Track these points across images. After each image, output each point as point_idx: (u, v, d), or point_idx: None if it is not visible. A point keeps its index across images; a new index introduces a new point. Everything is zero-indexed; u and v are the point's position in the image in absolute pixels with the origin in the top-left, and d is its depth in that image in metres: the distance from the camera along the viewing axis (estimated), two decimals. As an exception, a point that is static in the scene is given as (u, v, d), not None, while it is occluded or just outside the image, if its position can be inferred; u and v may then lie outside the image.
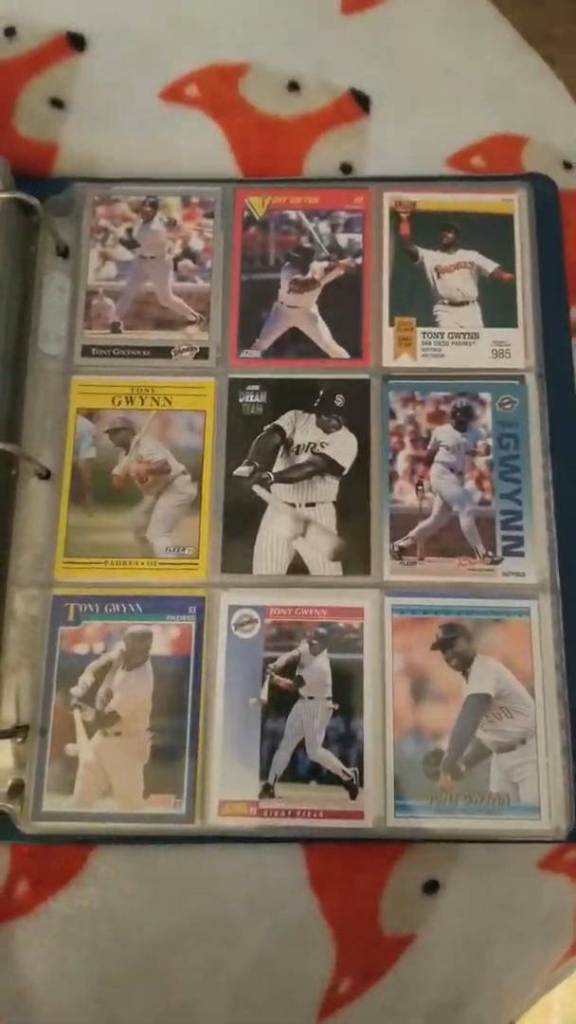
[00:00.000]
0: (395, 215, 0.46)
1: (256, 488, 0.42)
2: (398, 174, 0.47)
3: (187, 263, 0.45)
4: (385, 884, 0.39)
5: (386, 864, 0.39)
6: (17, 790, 0.38)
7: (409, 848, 0.39)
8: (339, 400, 0.43)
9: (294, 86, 0.49)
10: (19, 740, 0.39)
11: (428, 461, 0.42)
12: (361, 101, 0.49)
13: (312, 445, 0.42)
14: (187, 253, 0.45)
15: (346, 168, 0.47)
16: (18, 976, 0.37)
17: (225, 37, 0.49)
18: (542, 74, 0.52)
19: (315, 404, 0.43)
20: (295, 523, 0.41)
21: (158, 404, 0.43)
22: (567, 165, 0.48)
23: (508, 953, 0.40)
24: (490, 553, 0.41)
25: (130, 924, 0.38)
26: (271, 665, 0.39)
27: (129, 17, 0.50)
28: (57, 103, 0.48)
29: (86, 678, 0.39)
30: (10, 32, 0.49)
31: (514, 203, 0.46)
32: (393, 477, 0.42)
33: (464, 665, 0.39)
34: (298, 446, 0.42)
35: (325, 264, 0.45)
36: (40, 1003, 0.37)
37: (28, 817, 0.38)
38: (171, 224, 0.46)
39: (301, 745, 0.39)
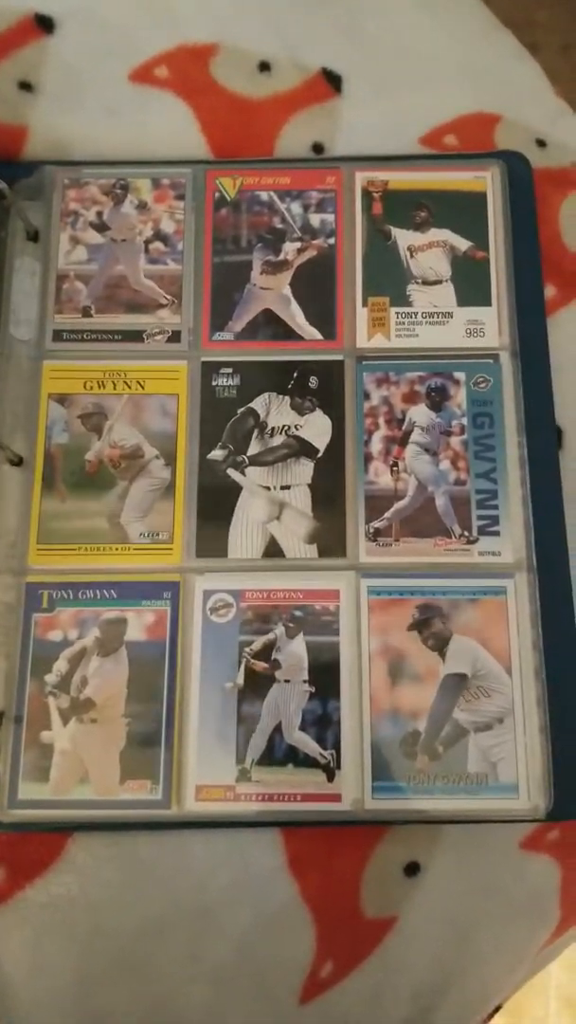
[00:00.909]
0: (367, 194, 0.45)
1: (230, 471, 0.42)
2: (370, 153, 0.46)
3: (158, 246, 0.45)
4: (365, 867, 0.39)
5: (366, 846, 0.39)
6: (-8, 779, 0.38)
7: (389, 830, 0.39)
8: (313, 382, 0.43)
9: (265, 66, 0.48)
10: (-6, 729, 0.39)
11: (403, 442, 0.42)
12: (333, 81, 0.48)
13: (286, 428, 0.42)
14: (158, 236, 0.45)
15: (318, 148, 0.47)
16: (-4, 965, 0.37)
17: (195, 18, 0.49)
18: (516, 54, 0.51)
19: (289, 386, 0.43)
20: (270, 506, 0.41)
21: (130, 388, 0.43)
22: (540, 143, 0.48)
23: (492, 934, 0.40)
24: (466, 533, 0.40)
25: (109, 911, 0.38)
26: (247, 649, 0.39)
27: (98, -1, 0.49)
28: (26, 86, 0.47)
29: (61, 665, 0.39)
30: (-24, 15, 0.48)
31: (487, 181, 0.45)
32: (368, 458, 0.42)
33: (441, 645, 0.39)
34: (272, 429, 0.42)
35: (297, 245, 0.45)
36: (18, 993, 0.37)
37: (3, 805, 0.37)
38: (142, 206, 0.45)
39: (278, 728, 0.38)
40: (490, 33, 0.52)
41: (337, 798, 0.38)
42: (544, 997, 0.74)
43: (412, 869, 0.39)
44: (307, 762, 0.38)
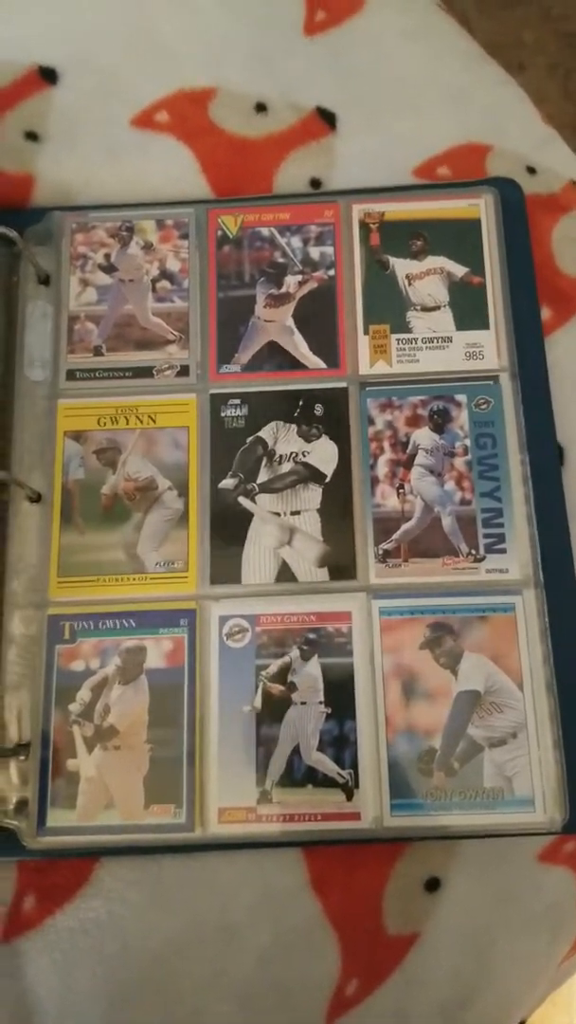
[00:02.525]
0: (364, 226, 0.47)
1: (241, 499, 0.43)
2: (366, 186, 0.48)
3: (165, 284, 0.46)
4: (386, 884, 0.40)
5: (386, 864, 0.40)
6: (22, 807, 0.39)
7: (408, 847, 0.40)
8: (318, 409, 0.44)
9: (261, 107, 0.50)
10: (22, 758, 0.40)
11: (408, 464, 0.43)
12: (327, 118, 0.50)
13: (294, 455, 0.43)
14: (164, 274, 0.47)
15: (315, 183, 0.49)
16: (27, 991, 0.38)
17: (192, 63, 0.51)
18: (503, 83, 0.53)
19: (295, 414, 0.44)
20: (281, 532, 0.42)
21: (142, 423, 0.44)
22: (531, 170, 0.49)
23: (513, 948, 0.40)
24: (473, 551, 0.41)
25: (136, 934, 0.39)
26: (263, 672, 0.40)
27: (98, 49, 0.51)
28: (32, 136, 0.49)
29: (84, 694, 0.40)
30: (-17, 70, 0.50)
31: (480, 208, 0.47)
32: (374, 482, 0.43)
33: (453, 663, 0.40)
34: (280, 456, 0.43)
35: (299, 278, 0.46)
36: (50, 1017, 0.38)
37: (33, 833, 0.39)
38: (147, 247, 0.47)
39: (296, 750, 0.39)
40: (476, 62, 0.53)
41: (357, 816, 0.38)
42: (568, 1012, 0.74)
43: (433, 885, 0.40)
44: (326, 782, 0.39)
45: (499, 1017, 0.41)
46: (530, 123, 0.51)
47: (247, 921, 0.39)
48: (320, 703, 0.40)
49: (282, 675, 0.40)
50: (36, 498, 0.43)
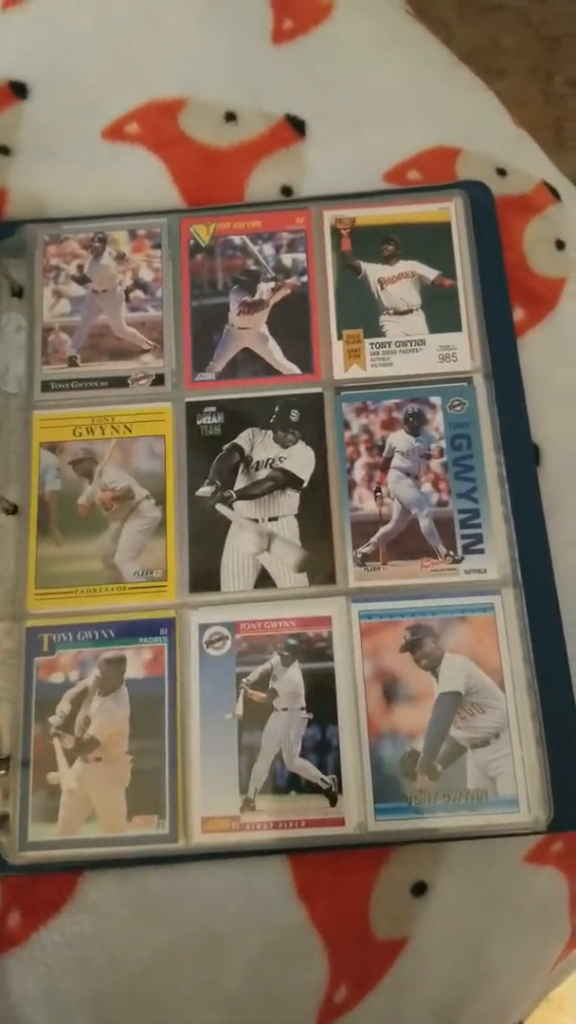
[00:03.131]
0: (336, 232, 0.47)
1: (219, 507, 0.43)
2: (337, 193, 0.48)
3: (138, 294, 0.46)
4: (373, 889, 0.39)
5: (372, 869, 0.39)
6: (3, 822, 0.39)
7: (394, 851, 0.40)
8: (294, 415, 0.44)
9: (231, 116, 0.50)
10: (2, 772, 0.39)
11: (384, 468, 0.43)
12: (297, 126, 0.50)
13: (271, 461, 0.43)
14: (137, 284, 0.47)
15: (286, 191, 0.49)
16: (14, 1008, 0.38)
17: (161, 74, 0.51)
18: (474, 87, 0.53)
19: (271, 421, 0.44)
20: (259, 538, 0.42)
21: (118, 432, 0.44)
22: (501, 172, 0.50)
23: (504, 950, 0.40)
24: (451, 552, 0.41)
25: (122, 947, 0.38)
26: (244, 680, 0.40)
27: (68, 62, 0.51)
28: (3, 150, 0.49)
29: (63, 706, 0.40)
30: (-47, 86, 0.50)
31: (451, 211, 0.47)
32: (351, 486, 0.43)
33: (433, 665, 0.40)
34: (257, 463, 0.43)
35: (272, 285, 0.46)
36: (38, 1034, 0.38)
37: (15, 848, 0.38)
38: (120, 257, 0.47)
39: (279, 757, 0.39)
40: (446, 68, 0.54)
41: (341, 822, 0.38)
42: (571, 1016, 0.73)
43: (419, 889, 0.39)
44: (309, 788, 0.39)
45: (495, 1020, 0.41)
46: (500, 125, 0.52)
47: (233, 930, 0.38)
48: (302, 709, 0.40)
49: (263, 682, 0.40)
50: (12, 510, 0.43)
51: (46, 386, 0.45)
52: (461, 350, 0.45)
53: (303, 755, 0.39)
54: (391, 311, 0.45)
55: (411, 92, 0.52)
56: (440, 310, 0.45)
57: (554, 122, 1.08)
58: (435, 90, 0.52)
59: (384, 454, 0.43)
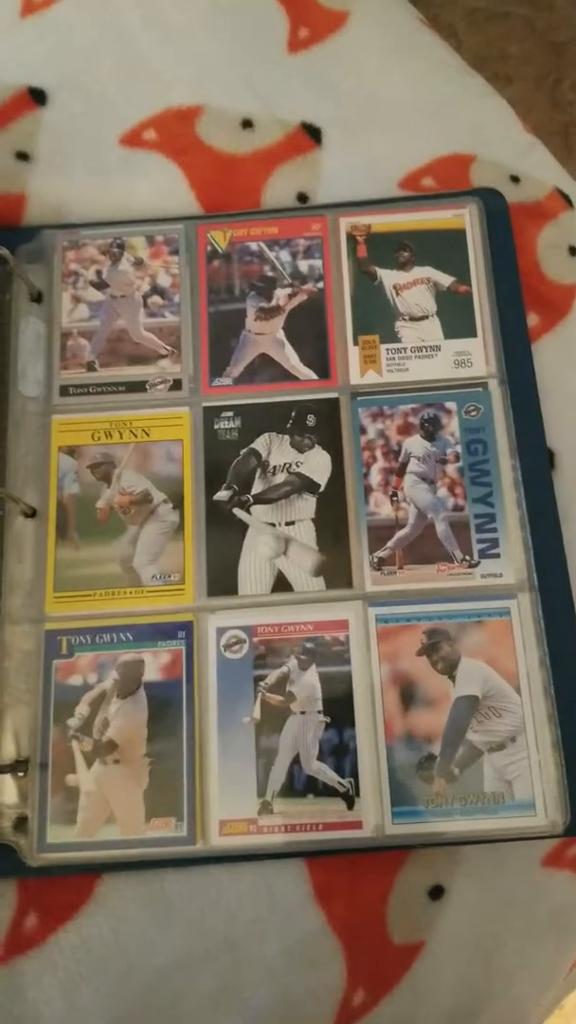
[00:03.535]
0: (352, 239, 0.47)
1: (236, 511, 0.43)
2: (352, 200, 0.48)
3: (156, 299, 0.47)
4: (390, 892, 0.39)
5: (389, 872, 0.40)
6: (22, 824, 0.39)
7: (411, 855, 0.40)
8: (311, 420, 0.44)
9: (248, 124, 0.51)
10: (21, 774, 0.40)
11: (400, 472, 0.43)
12: (312, 133, 0.51)
13: (288, 465, 0.44)
14: (155, 290, 0.47)
15: (302, 198, 0.49)
16: (31, 1011, 0.38)
17: (179, 82, 0.52)
18: (486, 95, 0.54)
19: (288, 425, 0.44)
20: (276, 542, 0.42)
21: (136, 437, 0.44)
22: (514, 179, 0.50)
23: (520, 954, 0.40)
24: (467, 557, 0.42)
25: (140, 950, 0.38)
26: (261, 683, 0.40)
27: (86, 69, 0.52)
28: (23, 156, 0.50)
29: (82, 709, 0.40)
30: (-28, 93, 0.51)
31: (465, 218, 0.47)
32: (368, 490, 0.43)
33: (450, 668, 0.40)
34: (274, 467, 0.44)
35: (288, 291, 0.47)
36: (56, 1036, 0.38)
37: (33, 850, 0.38)
38: (138, 263, 0.47)
39: (296, 760, 0.39)
40: (458, 75, 0.54)
41: (358, 825, 0.38)
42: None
43: (436, 892, 0.40)
44: (327, 791, 0.39)
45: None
46: (513, 133, 0.52)
47: (251, 934, 0.39)
48: (319, 712, 0.40)
49: (280, 685, 0.40)
50: (31, 513, 0.43)
51: (64, 390, 0.45)
52: (476, 356, 0.45)
53: (320, 758, 0.39)
54: (407, 317, 0.46)
55: (425, 100, 0.52)
56: (455, 316, 0.46)
57: (562, 128, 1.09)
58: (448, 98, 0.53)
59: (400, 459, 0.43)
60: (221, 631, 0.41)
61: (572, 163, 0.55)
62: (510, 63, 1.14)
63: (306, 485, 0.43)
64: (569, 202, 0.51)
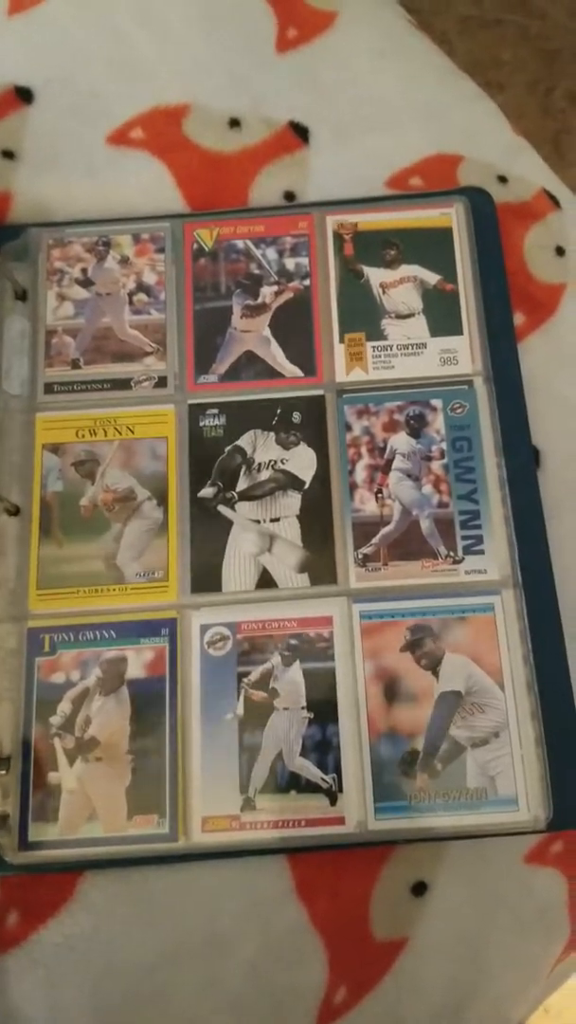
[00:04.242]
0: (338, 237, 0.47)
1: (221, 508, 0.43)
2: (339, 198, 0.48)
3: (141, 297, 0.47)
4: (373, 889, 0.39)
5: (372, 868, 0.40)
6: (3, 821, 0.39)
7: (394, 851, 0.40)
8: (296, 417, 0.44)
9: (235, 123, 0.51)
10: (2, 772, 0.39)
11: (386, 469, 0.43)
12: (300, 132, 0.51)
13: (273, 462, 0.44)
14: (141, 287, 0.47)
15: (289, 196, 0.49)
16: (13, 1010, 0.37)
17: (166, 81, 0.52)
18: (474, 96, 0.54)
19: (273, 423, 0.44)
20: (261, 539, 0.42)
21: (121, 434, 0.44)
22: (502, 179, 0.50)
23: (504, 950, 0.40)
24: (451, 553, 0.42)
25: (123, 947, 0.38)
26: (245, 679, 0.40)
27: (73, 68, 0.52)
28: (8, 154, 0.50)
29: (64, 706, 0.40)
30: (-41, 91, 0.51)
31: (452, 216, 0.47)
32: (353, 487, 0.43)
33: (434, 664, 0.40)
34: (259, 464, 0.44)
35: (274, 288, 0.47)
36: (37, 1035, 0.37)
37: (15, 848, 0.38)
38: (124, 261, 0.47)
39: (279, 756, 0.39)
40: (447, 77, 0.54)
41: (341, 821, 0.38)
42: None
43: (419, 889, 0.40)
44: (309, 787, 0.39)
45: (494, 1021, 0.41)
46: (501, 134, 0.52)
47: (234, 930, 0.38)
48: (302, 708, 0.40)
49: (264, 682, 0.40)
50: (14, 511, 0.43)
51: (49, 388, 0.45)
52: (462, 353, 0.45)
53: (303, 754, 0.39)
54: (393, 315, 0.46)
55: (413, 100, 0.52)
56: (441, 314, 0.46)
57: (553, 136, 1.10)
58: (436, 98, 0.53)
59: (385, 456, 0.43)
60: (205, 628, 0.41)
61: (563, 169, 0.55)
62: (502, 70, 1.14)
63: (291, 482, 0.43)
64: (556, 203, 0.51)
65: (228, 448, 0.44)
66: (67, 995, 0.38)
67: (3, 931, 0.38)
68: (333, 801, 0.38)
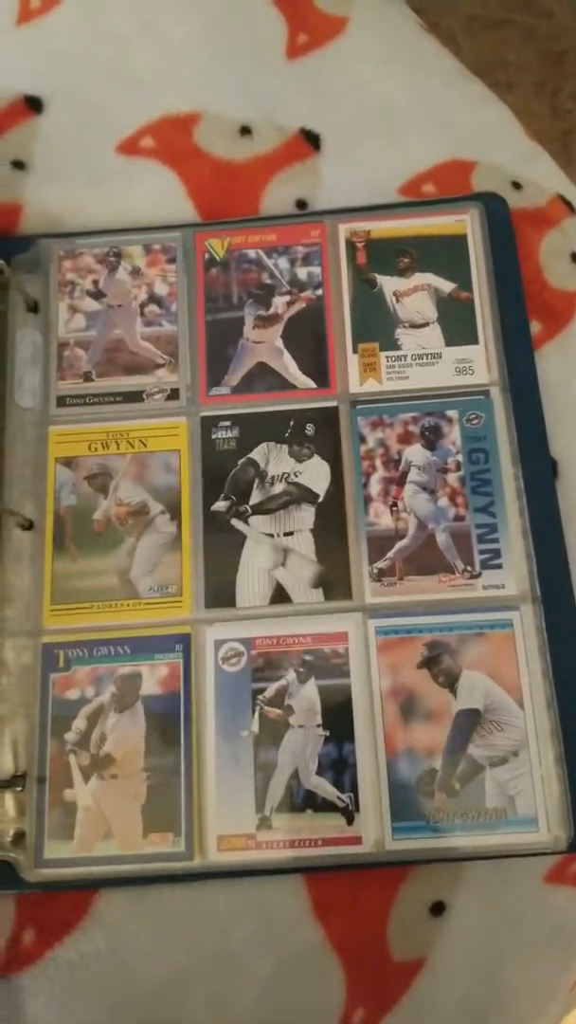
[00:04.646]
0: (351, 245, 0.47)
1: (234, 522, 0.43)
2: (351, 206, 0.48)
3: (153, 308, 0.46)
4: (390, 909, 0.39)
5: (390, 888, 0.39)
6: (19, 839, 0.39)
7: (412, 870, 0.39)
8: (309, 429, 0.44)
9: (246, 131, 0.50)
10: (18, 789, 0.39)
11: (401, 482, 0.43)
12: (311, 139, 0.50)
13: (286, 475, 0.43)
14: (152, 299, 0.47)
15: (301, 204, 0.49)
16: (29, 1028, 0.37)
17: (176, 89, 0.51)
18: (486, 101, 0.53)
19: (286, 435, 0.44)
20: (275, 553, 0.42)
21: (133, 447, 0.44)
22: (516, 185, 0.49)
23: (522, 971, 0.40)
24: (468, 568, 0.41)
25: (137, 966, 0.38)
26: (260, 696, 0.40)
27: (83, 77, 0.51)
28: (18, 164, 0.50)
29: (79, 723, 0.40)
30: (-31, 101, 0.51)
31: (467, 223, 0.47)
32: (367, 500, 0.42)
33: (451, 682, 0.40)
34: (272, 477, 0.43)
35: (287, 298, 0.46)
36: (53, 1054, 0.37)
37: (31, 865, 0.38)
38: (135, 272, 0.47)
39: (295, 774, 0.39)
40: (458, 81, 0.54)
41: (358, 840, 0.38)
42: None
43: (438, 909, 0.39)
44: (326, 806, 0.38)
45: (511, 1042, 0.40)
46: (514, 139, 0.52)
47: (249, 950, 0.38)
48: (318, 726, 0.39)
49: (279, 698, 0.40)
50: (28, 526, 0.43)
51: (61, 401, 0.45)
52: (478, 363, 0.44)
53: (319, 773, 0.39)
54: (407, 324, 0.45)
55: (425, 106, 0.52)
56: (456, 323, 0.45)
57: (561, 136, 1.08)
58: (449, 103, 0.52)
59: (400, 468, 0.43)
60: (219, 643, 0.41)
61: (572, 170, 0.54)
62: (510, 70, 1.13)
63: (305, 495, 0.43)
64: (572, 208, 0.50)
65: (241, 461, 0.43)
66: (81, 1014, 0.38)
67: (19, 949, 0.38)
68: (350, 820, 0.38)
